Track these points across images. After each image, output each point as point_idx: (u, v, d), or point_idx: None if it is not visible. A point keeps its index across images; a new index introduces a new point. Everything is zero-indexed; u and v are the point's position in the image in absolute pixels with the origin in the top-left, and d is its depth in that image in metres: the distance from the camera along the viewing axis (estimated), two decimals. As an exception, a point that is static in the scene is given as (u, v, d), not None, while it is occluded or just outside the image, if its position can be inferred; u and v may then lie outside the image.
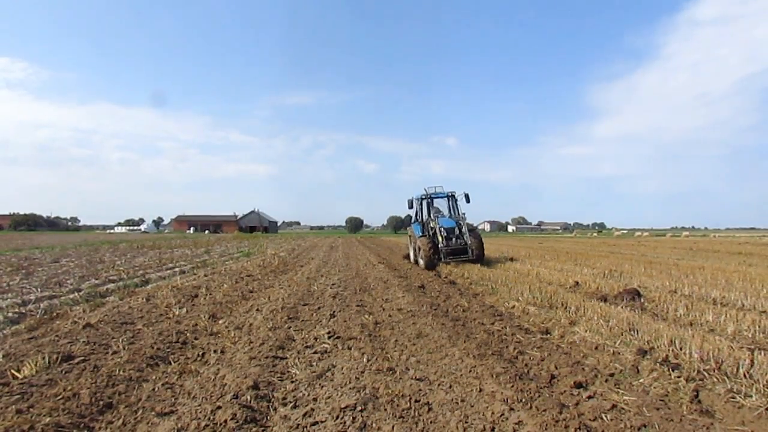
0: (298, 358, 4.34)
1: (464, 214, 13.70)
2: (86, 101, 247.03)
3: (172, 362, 4.22)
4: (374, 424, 2.96)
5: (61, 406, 3.10)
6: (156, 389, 3.56)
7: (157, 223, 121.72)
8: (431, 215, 14.31)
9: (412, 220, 15.32)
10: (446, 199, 14.65)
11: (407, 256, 16.49)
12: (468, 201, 13.79)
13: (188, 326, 5.52)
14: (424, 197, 14.55)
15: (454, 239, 12.89)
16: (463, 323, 5.86)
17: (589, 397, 3.37)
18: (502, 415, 3.04)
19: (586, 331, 5.10)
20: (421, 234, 13.90)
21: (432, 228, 13.57)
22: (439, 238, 12.79)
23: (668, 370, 3.77)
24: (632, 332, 4.87)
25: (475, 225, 14.30)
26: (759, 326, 5.04)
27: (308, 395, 3.46)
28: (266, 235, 72.00)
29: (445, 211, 14.66)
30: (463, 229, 13.06)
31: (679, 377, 3.63)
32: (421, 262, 12.90)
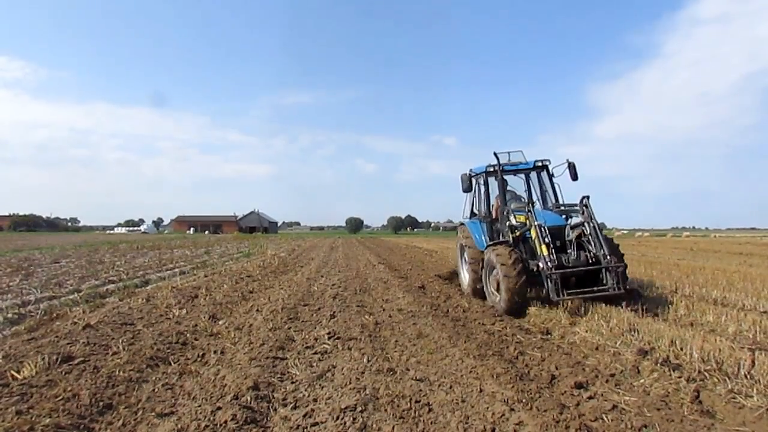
0: (298, 359, 4.33)
1: (587, 199, 6.64)
2: (84, 100, 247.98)
3: (172, 363, 4.22)
4: (374, 425, 2.96)
5: (61, 407, 3.09)
6: (156, 390, 3.55)
7: (157, 223, 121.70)
8: (508, 203, 7.64)
9: (465, 214, 8.87)
10: (526, 175, 8.34)
11: (450, 277, 10.31)
12: (575, 177, 7.48)
13: (188, 327, 5.51)
14: (491, 170, 7.91)
15: (573, 252, 6.41)
16: (464, 323, 5.86)
17: (590, 398, 3.37)
18: (503, 415, 3.03)
19: (586, 331, 5.09)
20: (489, 240, 7.64)
21: (517, 227, 7.06)
22: (539, 249, 6.23)
23: (669, 370, 3.76)
24: (633, 332, 4.86)
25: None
26: (760, 326, 5.04)
27: (308, 396, 3.46)
28: (266, 235, 71.96)
29: (521, 196, 8.24)
30: (587, 231, 6.43)
31: (679, 378, 3.62)
32: (501, 297, 6.36)
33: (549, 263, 6.00)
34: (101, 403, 3.24)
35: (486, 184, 8.18)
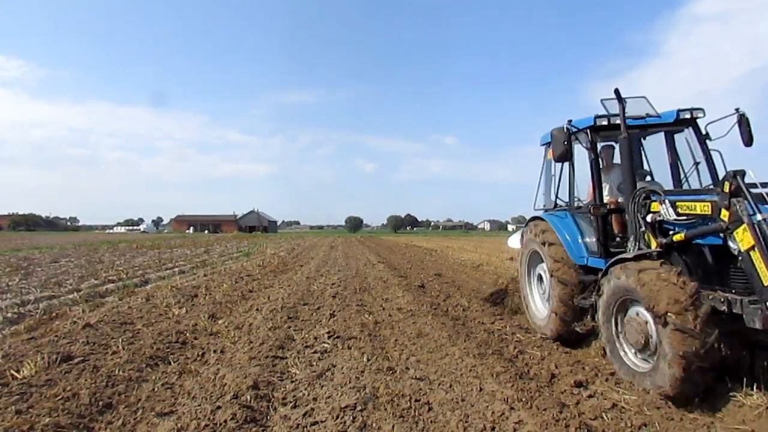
0: (298, 358, 4.33)
1: None
2: (82, 100, 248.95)
3: (172, 362, 4.22)
4: (374, 424, 2.96)
5: (61, 407, 3.09)
6: (156, 389, 3.55)
7: (157, 223, 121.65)
8: (645, 190, 4.00)
9: (540, 202, 5.79)
10: (639, 137, 5.27)
11: (495, 299, 7.17)
12: (750, 140, 4.23)
13: (188, 326, 5.51)
14: (604, 123, 4.48)
15: None
16: (463, 322, 5.86)
17: (590, 396, 3.37)
18: (503, 414, 3.03)
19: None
20: (604, 248, 4.46)
21: (678, 226, 3.71)
22: (763, 273, 2.89)
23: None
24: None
25: None
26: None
27: (308, 395, 3.46)
28: (266, 234, 71.94)
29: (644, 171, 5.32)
30: None
31: (679, 376, 3.61)
32: (666, 371, 3.09)
33: None
34: (101, 403, 3.23)
35: (594, 148, 4.71)
